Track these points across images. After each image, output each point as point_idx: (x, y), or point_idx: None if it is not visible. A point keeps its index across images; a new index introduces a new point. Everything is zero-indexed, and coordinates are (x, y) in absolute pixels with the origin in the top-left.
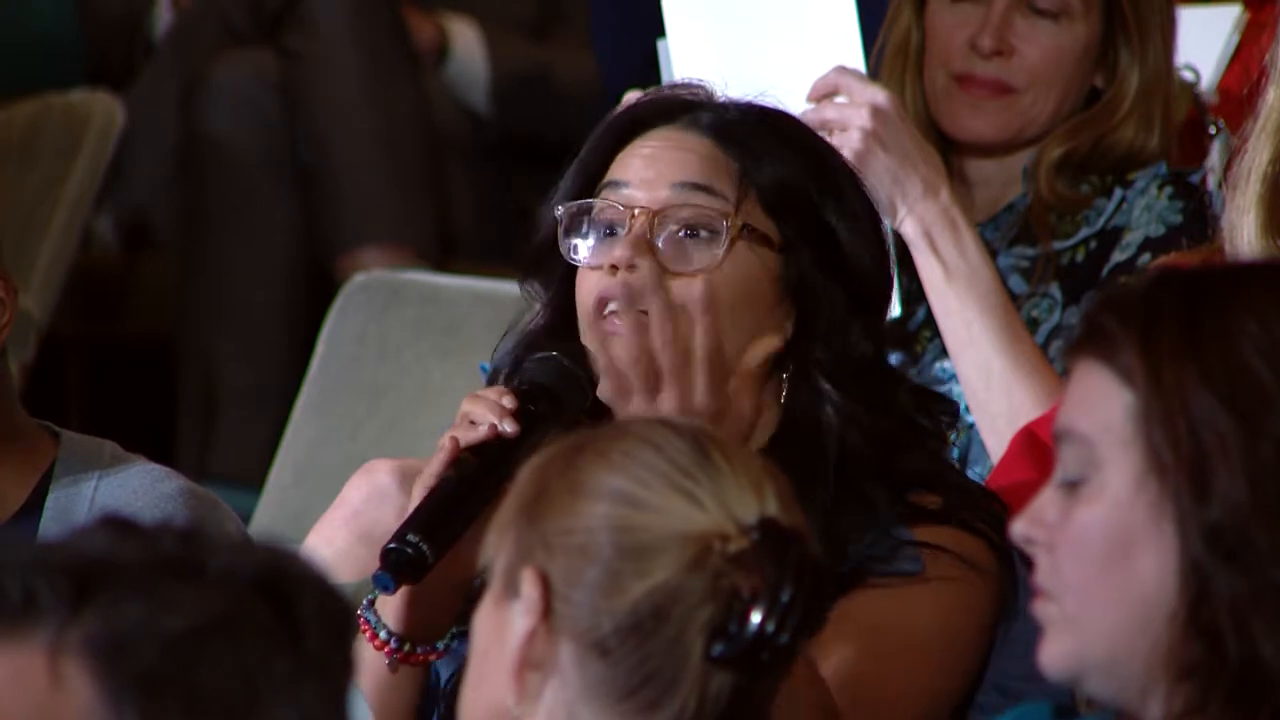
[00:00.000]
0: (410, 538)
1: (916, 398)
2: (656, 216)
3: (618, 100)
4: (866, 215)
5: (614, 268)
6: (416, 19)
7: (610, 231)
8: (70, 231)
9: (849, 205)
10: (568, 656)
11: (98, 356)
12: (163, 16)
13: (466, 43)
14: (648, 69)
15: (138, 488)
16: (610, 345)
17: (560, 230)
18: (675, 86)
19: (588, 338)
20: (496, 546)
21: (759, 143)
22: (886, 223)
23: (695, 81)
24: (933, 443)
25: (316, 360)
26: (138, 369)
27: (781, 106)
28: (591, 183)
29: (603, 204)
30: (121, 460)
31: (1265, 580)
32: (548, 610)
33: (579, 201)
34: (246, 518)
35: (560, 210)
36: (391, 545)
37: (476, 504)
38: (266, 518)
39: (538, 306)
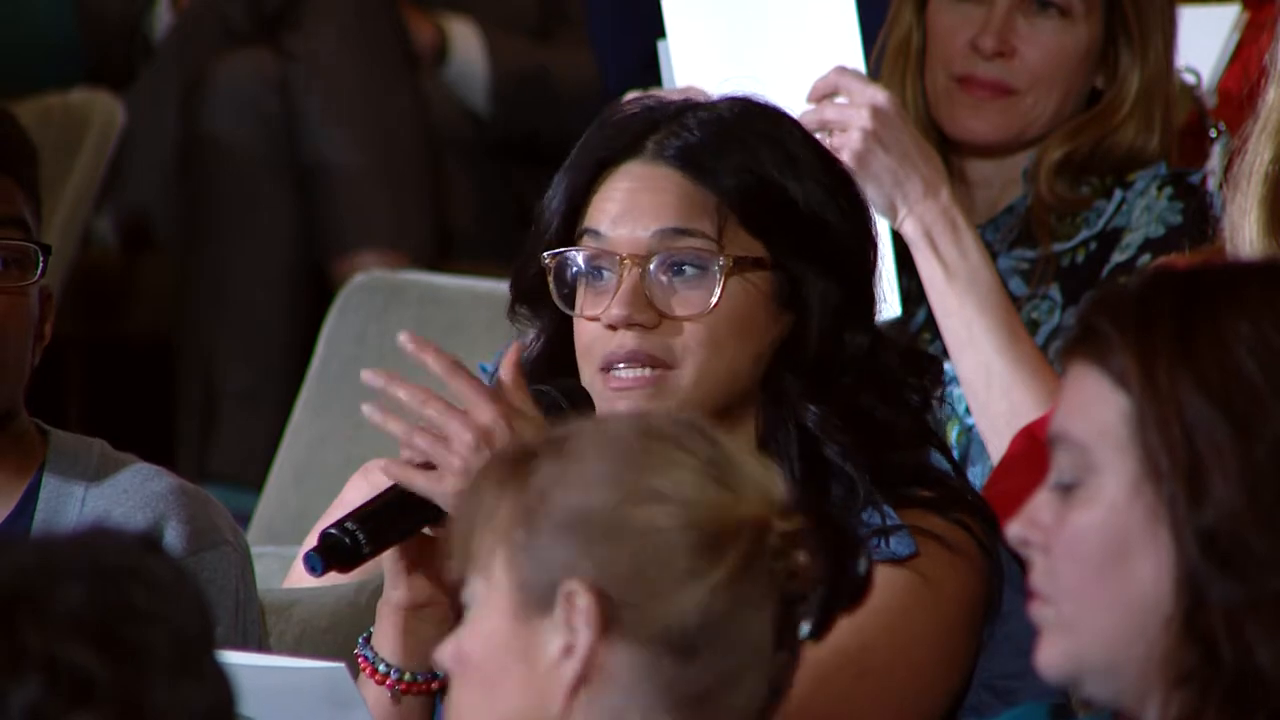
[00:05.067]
0: (349, 525)
1: (904, 360)
2: (643, 265)
3: (618, 101)
4: (836, 183)
5: (613, 326)
6: (416, 20)
7: (600, 277)
8: (70, 231)
9: (817, 176)
10: (626, 663)
11: (98, 356)
12: (163, 16)
13: (466, 43)
14: (648, 69)
15: (128, 487)
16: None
17: (550, 279)
18: (630, 107)
19: (590, 386)
20: (503, 563)
21: (725, 159)
22: (874, 208)
23: (644, 98)
24: (920, 414)
25: (316, 360)
26: (138, 369)
27: (737, 91)
28: (572, 222)
29: (587, 254)
30: (111, 459)
31: (1260, 586)
32: (606, 621)
33: (562, 250)
34: (246, 518)
35: (545, 259)
36: (330, 529)
37: (421, 519)
38: (266, 518)
39: (531, 335)
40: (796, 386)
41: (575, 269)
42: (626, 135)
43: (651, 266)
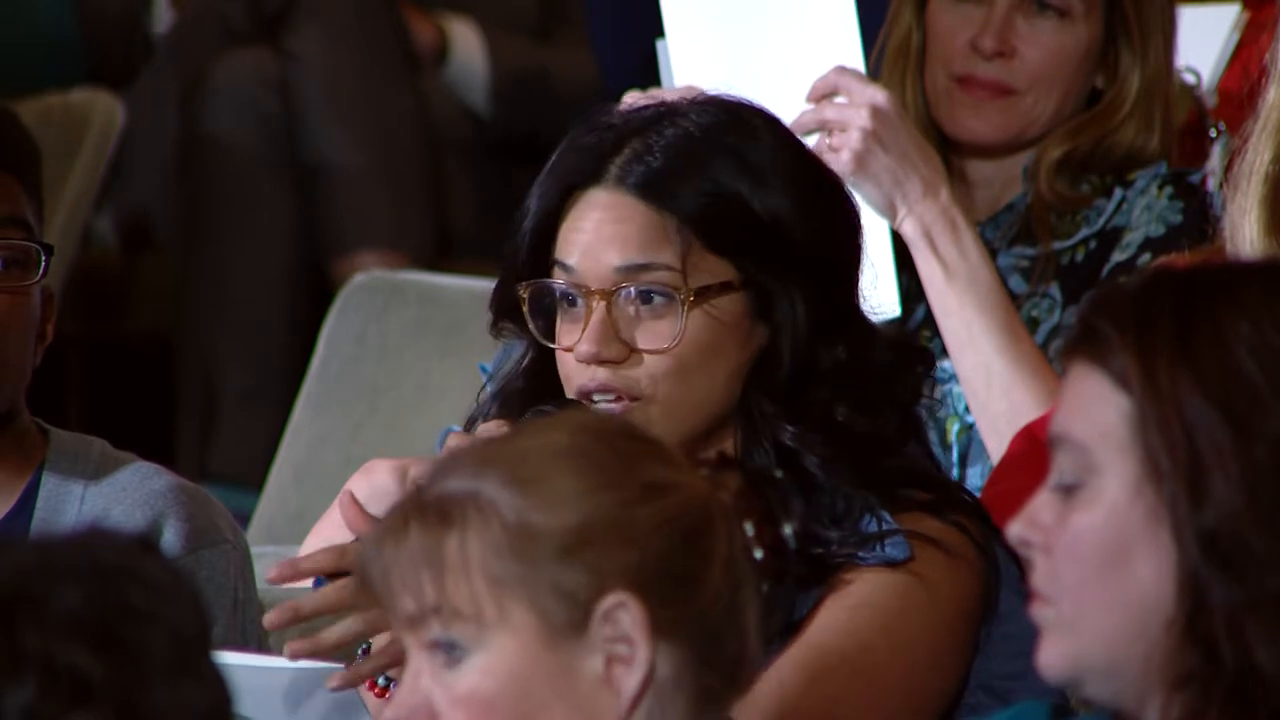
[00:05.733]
0: None
1: (894, 352)
2: (609, 299)
3: (618, 101)
4: (808, 192)
5: (584, 361)
6: (416, 20)
7: (574, 305)
8: (70, 231)
9: (784, 187)
10: (665, 662)
11: (98, 356)
12: (163, 16)
13: (467, 43)
14: (648, 69)
15: (127, 485)
16: None
17: (525, 310)
18: (599, 122)
19: None
20: (514, 600)
21: (687, 182)
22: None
23: (617, 111)
24: (909, 410)
25: (316, 360)
26: (138, 369)
27: (711, 91)
28: (545, 247)
29: (558, 286)
30: (111, 458)
31: (1261, 588)
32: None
33: (534, 282)
34: (246, 518)
35: (520, 290)
36: None
37: None
38: (266, 518)
39: (516, 353)
40: (771, 406)
41: (549, 298)
42: (592, 158)
43: (618, 300)
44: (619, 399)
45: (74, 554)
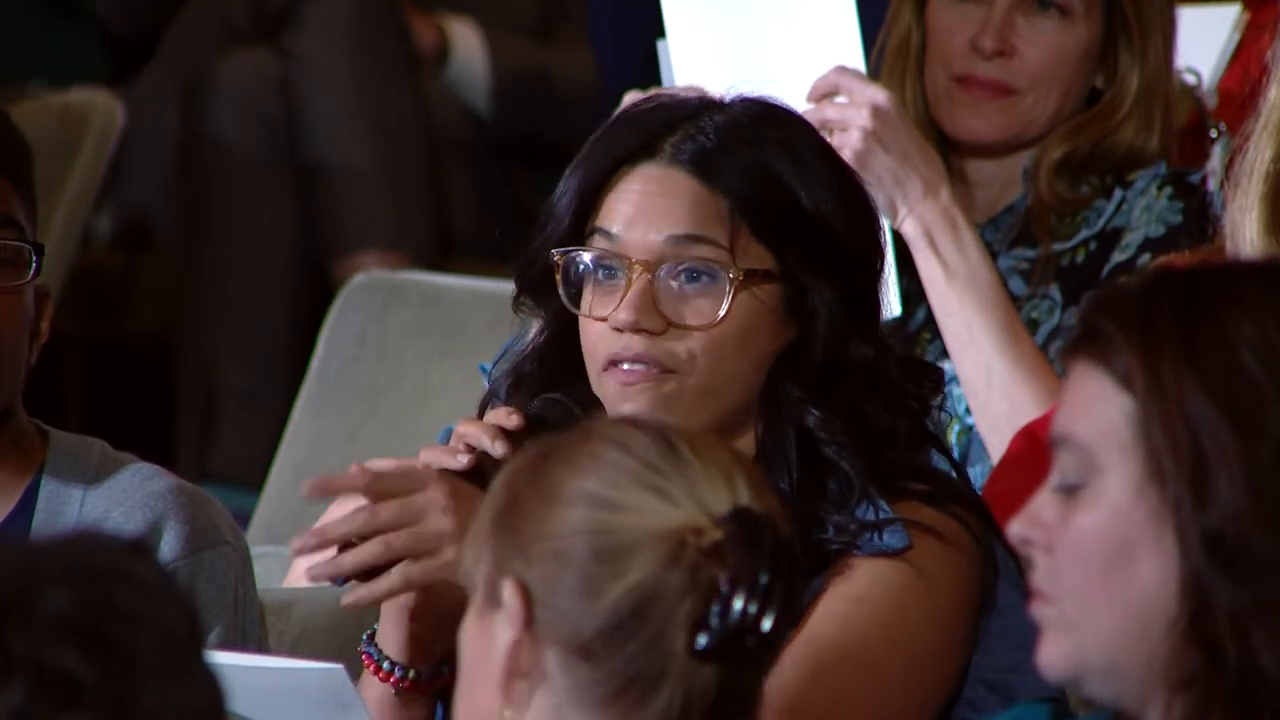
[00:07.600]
0: None
1: (904, 368)
2: (654, 271)
3: (618, 101)
4: (846, 190)
5: (620, 329)
6: (417, 20)
7: (610, 276)
8: (70, 231)
9: (827, 183)
10: (553, 663)
11: (98, 356)
12: None
13: (467, 44)
14: (648, 69)
15: (127, 486)
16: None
17: (558, 277)
18: (647, 104)
19: (597, 387)
20: (475, 559)
21: (740, 166)
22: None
23: (665, 94)
24: (920, 418)
25: (316, 360)
26: (138, 369)
27: (757, 93)
28: (582, 219)
29: (597, 254)
30: (111, 459)
31: (1265, 590)
32: (530, 619)
33: (572, 249)
34: (246, 518)
35: (555, 256)
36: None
37: None
38: (266, 518)
39: (534, 327)
40: (797, 392)
41: (583, 267)
42: (643, 134)
43: (661, 272)
44: (650, 369)
45: (63, 556)
